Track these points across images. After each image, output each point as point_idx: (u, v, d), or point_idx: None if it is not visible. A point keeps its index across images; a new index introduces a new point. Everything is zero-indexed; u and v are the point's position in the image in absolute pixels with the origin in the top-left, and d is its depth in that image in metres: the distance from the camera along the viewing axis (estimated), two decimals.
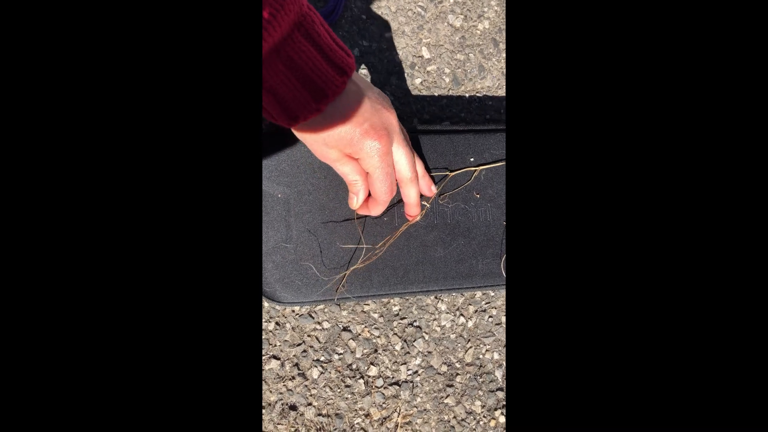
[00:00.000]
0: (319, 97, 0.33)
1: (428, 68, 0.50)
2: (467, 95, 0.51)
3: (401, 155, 0.38)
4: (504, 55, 0.51)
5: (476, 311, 0.49)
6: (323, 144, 0.36)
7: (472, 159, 0.46)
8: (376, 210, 0.41)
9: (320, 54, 0.32)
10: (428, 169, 0.45)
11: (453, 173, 0.45)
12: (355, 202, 0.40)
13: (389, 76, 0.49)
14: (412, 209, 0.42)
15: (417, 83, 0.50)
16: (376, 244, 0.44)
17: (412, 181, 0.39)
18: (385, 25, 0.50)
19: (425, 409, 0.48)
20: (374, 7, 0.50)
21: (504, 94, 0.51)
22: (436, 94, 0.50)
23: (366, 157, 0.36)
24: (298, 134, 0.37)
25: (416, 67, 0.50)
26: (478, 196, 0.46)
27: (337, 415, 0.46)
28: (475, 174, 0.46)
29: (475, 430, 0.48)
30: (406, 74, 0.50)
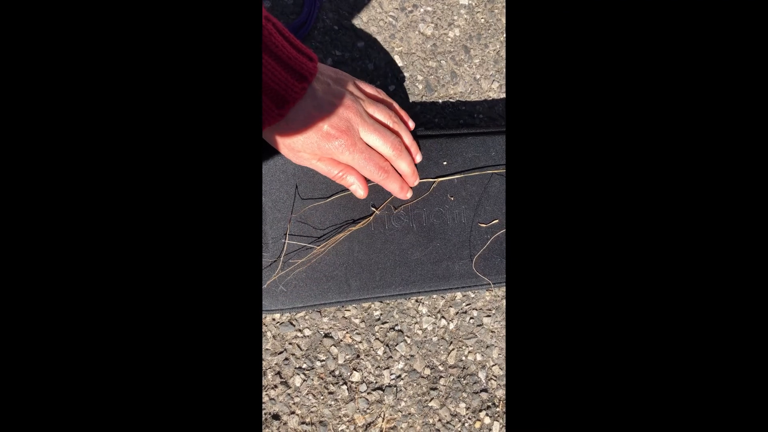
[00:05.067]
0: (281, 103, 0.34)
1: (401, 76, 0.51)
2: (440, 101, 0.52)
3: (374, 139, 0.39)
4: (475, 61, 0.52)
5: (457, 313, 0.50)
6: (293, 149, 0.38)
7: (445, 163, 0.46)
8: (391, 188, 0.42)
9: (279, 63, 0.33)
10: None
11: (438, 180, 0.46)
12: (359, 191, 0.42)
13: None
14: (410, 179, 0.43)
15: (390, 91, 0.51)
16: (360, 247, 0.45)
17: (398, 157, 0.41)
18: (357, 35, 0.51)
19: (410, 413, 0.48)
20: (346, 18, 0.51)
21: (476, 99, 0.52)
22: (409, 100, 0.51)
23: (338, 155, 0.38)
24: (270, 141, 0.38)
25: (389, 75, 0.51)
26: (452, 198, 0.46)
27: (321, 422, 0.46)
28: (437, 181, 0.46)
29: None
30: (379, 82, 0.51)
